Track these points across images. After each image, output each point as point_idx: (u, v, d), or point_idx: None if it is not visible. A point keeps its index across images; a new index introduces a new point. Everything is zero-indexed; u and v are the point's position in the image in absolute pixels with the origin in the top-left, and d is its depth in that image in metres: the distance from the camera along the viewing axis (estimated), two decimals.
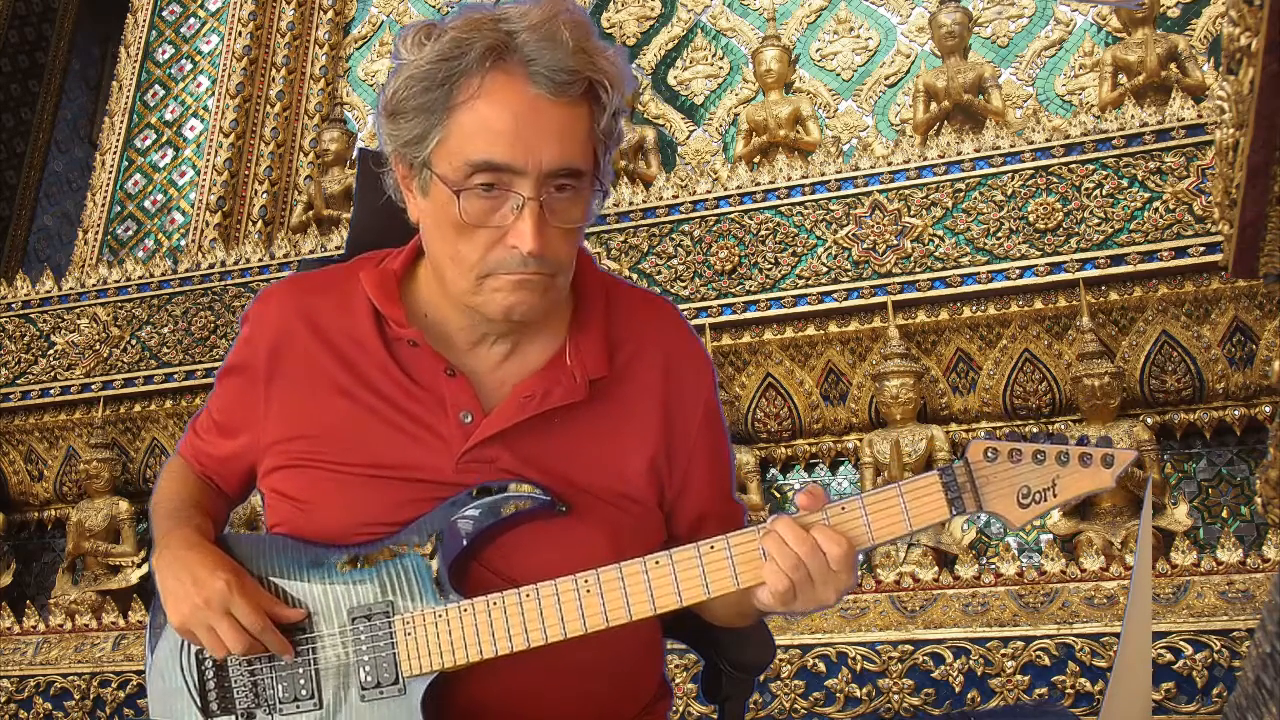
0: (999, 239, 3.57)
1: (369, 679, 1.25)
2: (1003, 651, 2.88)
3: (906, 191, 3.72)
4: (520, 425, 1.28)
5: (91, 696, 3.69)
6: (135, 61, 5.93)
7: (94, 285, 4.78)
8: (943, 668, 2.91)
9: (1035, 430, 3.58)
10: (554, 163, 1.20)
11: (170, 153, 5.65)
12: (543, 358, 1.32)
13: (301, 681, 1.27)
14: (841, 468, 3.87)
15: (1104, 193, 3.49)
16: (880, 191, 3.75)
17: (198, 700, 1.31)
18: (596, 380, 1.31)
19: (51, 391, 4.65)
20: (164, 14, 6.02)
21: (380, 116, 1.27)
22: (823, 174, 3.85)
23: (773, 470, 3.89)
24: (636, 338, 1.36)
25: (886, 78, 4.87)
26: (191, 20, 5.95)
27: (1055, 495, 1.16)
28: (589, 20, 1.25)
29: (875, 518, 1.18)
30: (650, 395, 1.34)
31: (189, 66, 5.83)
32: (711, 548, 1.20)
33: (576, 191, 1.23)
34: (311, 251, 4.43)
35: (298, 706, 1.27)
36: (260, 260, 4.53)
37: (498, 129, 1.19)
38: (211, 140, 5.54)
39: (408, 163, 1.26)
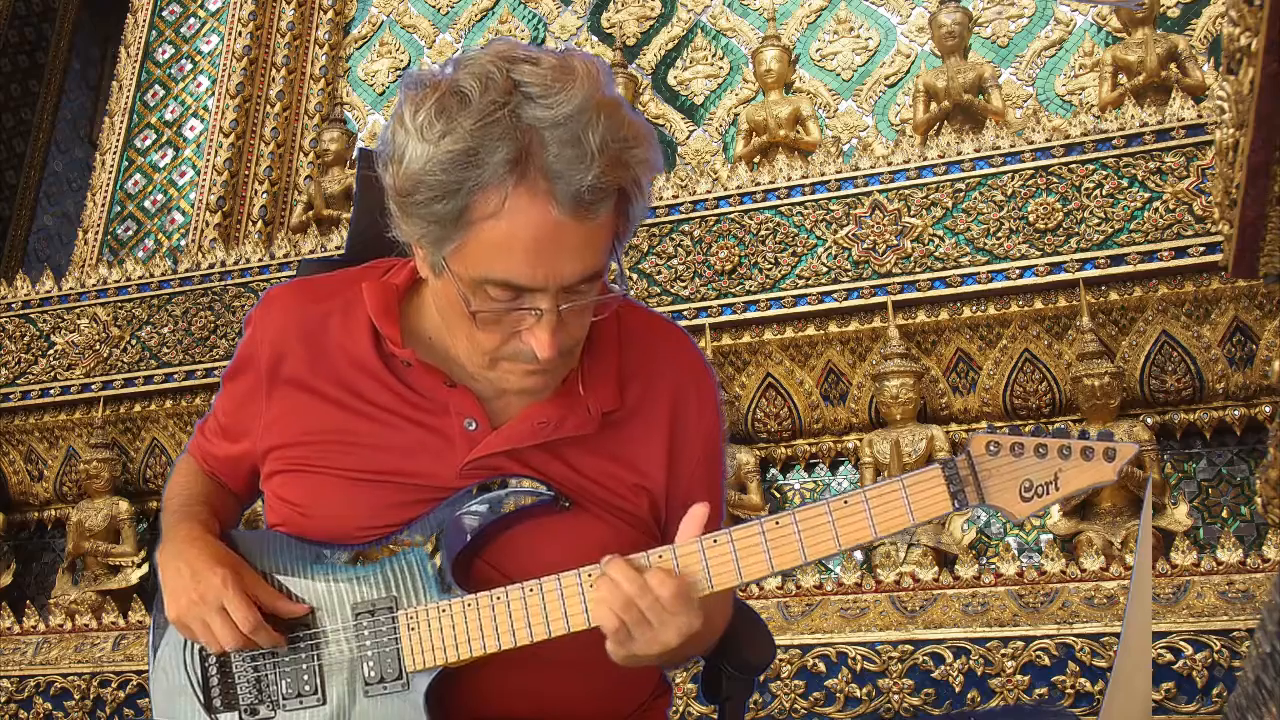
0: (999, 239, 3.57)
1: (373, 674, 1.25)
2: (1003, 651, 2.88)
3: (906, 191, 3.72)
4: (527, 447, 1.28)
5: (91, 696, 3.69)
6: (135, 61, 5.93)
7: (94, 285, 4.78)
8: (943, 668, 2.91)
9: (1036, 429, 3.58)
10: (574, 278, 1.16)
11: (170, 153, 5.65)
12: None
13: (305, 677, 1.27)
14: (841, 468, 3.87)
15: (1104, 193, 3.49)
16: (880, 191, 3.75)
17: (201, 697, 1.32)
18: (608, 413, 1.31)
19: (51, 391, 4.65)
20: (164, 14, 6.02)
21: (388, 190, 1.18)
22: (823, 174, 3.85)
23: (773, 470, 3.89)
24: (647, 370, 1.35)
25: (886, 78, 4.87)
26: (191, 20, 5.95)
27: (1058, 489, 1.16)
28: (620, 102, 1.16)
29: (878, 512, 1.18)
30: (657, 430, 1.34)
31: (189, 66, 5.83)
32: (715, 541, 1.20)
33: (595, 284, 1.20)
34: (311, 251, 4.42)
35: (301, 702, 1.27)
36: (260, 260, 4.53)
37: (517, 251, 1.13)
38: (211, 140, 5.54)
39: (422, 248, 1.20)
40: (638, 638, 1.17)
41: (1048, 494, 1.16)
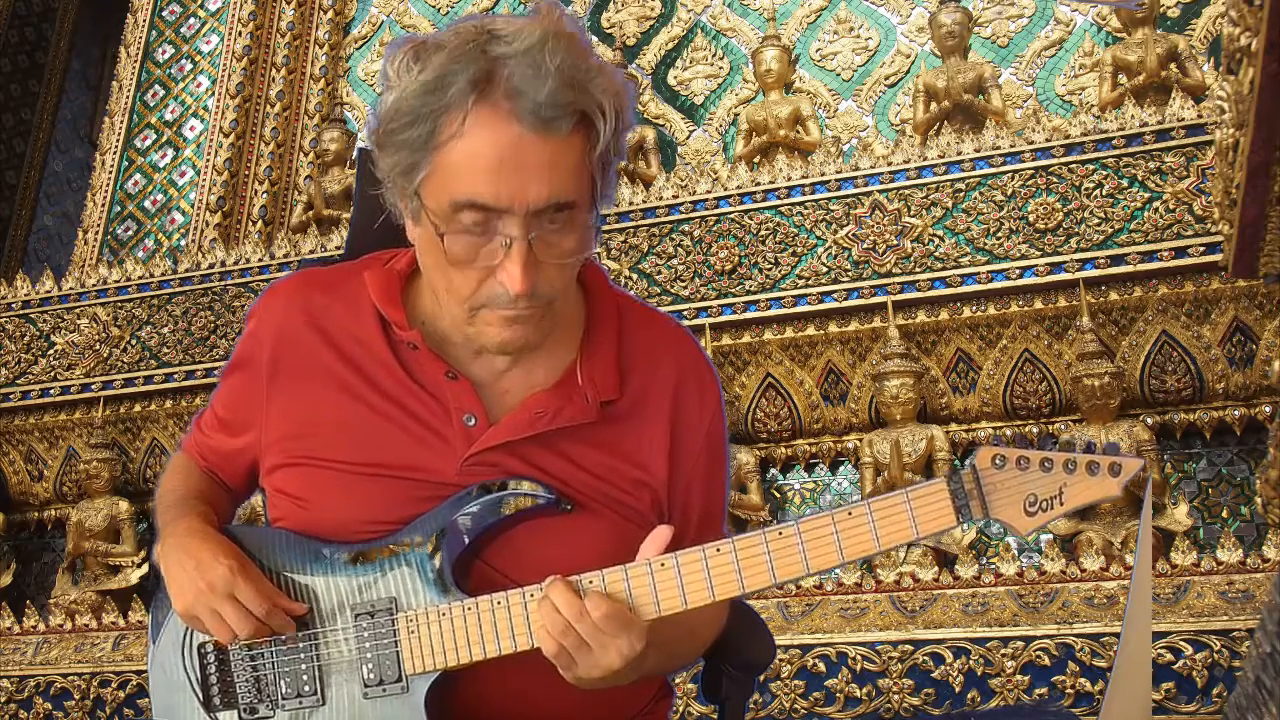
0: (999, 239, 3.57)
1: (372, 676, 1.25)
2: (1003, 651, 2.88)
3: (906, 191, 3.72)
4: (527, 438, 1.28)
5: (91, 696, 3.69)
6: (135, 61, 5.93)
7: (94, 285, 4.78)
8: (943, 668, 2.91)
9: (1036, 430, 3.58)
10: (541, 200, 1.16)
11: (170, 153, 5.65)
12: (549, 371, 1.32)
13: (304, 677, 1.27)
14: (841, 468, 3.87)
15: (1104, 193, 3.49)
16: (880, 191, 3.75)
17: (199, 694, 1.31)
18: (607, 403, 1.31)
19: (51, 391, 4.65)
20: (164, 14, 6.02)
21: (372, 141, 1.24)
22: (823, 174, 3.85)
23: (773, 470, 3.89)
24: (648, 363, 1.35)
25: (886, 78, 4.87)
26: (191, 20, 5.95)
27: (1062, 503, 1.16)
28: (583, 38, 1.20)
29: (882, 524, 1.18)
30: (658, 422, 1.33)
31: (189, 66, 5.83)
32: (718, 550, 1.19)
33: (570, 222, 1.20)
34: (311, 251, 4.43)
35: (300, 702, 1.27)
36: (260, 260, 4.53)
37: (480, 168, 1.15)
38: (211, 140, 5.54)
39: (399, 190, 1.24)
40: (580, 661, 1.17)
41: (1052, 508, 1.16)
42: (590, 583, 1.19)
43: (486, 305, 1.21)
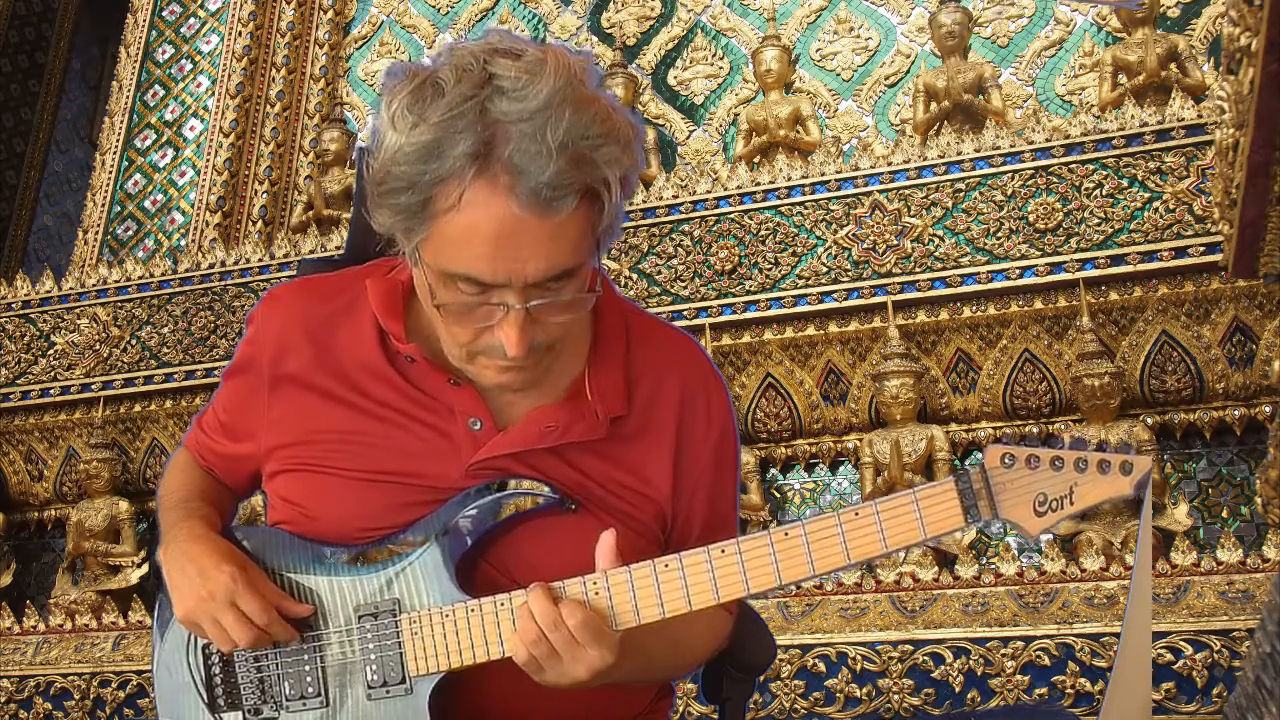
0: (999, 239, 3.57)
1: (375, 678, 1.25)
2: (1003, 651, 2.88)
3: (906, 191, 3.72)
4: (534, 449, 1.28)
5: (91, 696, 3.69)
6: (135, 61, 5.93)
7: (94, 285, 4.78)
8: (943, 668, 2.91)
9: (1036, 430, 3.58)
10: (539, 275, 1.14)
11: (170, 153, 5.64)
12: (555, 382, 1.31)
13: (308, 679, 1.27)
14: (841, 468, 3.87)
15: (1104, 193, 3.49)
16: (880, 191, 3.75)
17: (204, 696, 1.31)
18: (615, 419, 1.30)
19: (51, 391, 4.65)
20: (164, 14, 6.02)
21: (368, 185, 1.18)
22: (823, 174, 3.85)
23: (773, 470, 3.89)
24: (655, 377, 1.34)
25: (886, 78, 4.87)
26: (191, 20, 5.95)
27: (1072, 503, 1.13)
28: (592, 84, 1.14)
29: (889, 525, 1.16)
30: (664, 439, 1.33)
31: (189, 66, 5.83)
32: (722, 551, 1.19)
33: (569, 283, 1.18)
34: (311, 251, 4.42)
35: (304, 704, 1.27)
36: (260, 260, 4.53)
37: (478, 244, 1.12)
38: (211, 140, 5.54)
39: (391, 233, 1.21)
40: (548, 669, 1.17)
41: (1062, 508, 1.13)
42: (571, 589, 1.18)
43: (484, 353, 1.21)
